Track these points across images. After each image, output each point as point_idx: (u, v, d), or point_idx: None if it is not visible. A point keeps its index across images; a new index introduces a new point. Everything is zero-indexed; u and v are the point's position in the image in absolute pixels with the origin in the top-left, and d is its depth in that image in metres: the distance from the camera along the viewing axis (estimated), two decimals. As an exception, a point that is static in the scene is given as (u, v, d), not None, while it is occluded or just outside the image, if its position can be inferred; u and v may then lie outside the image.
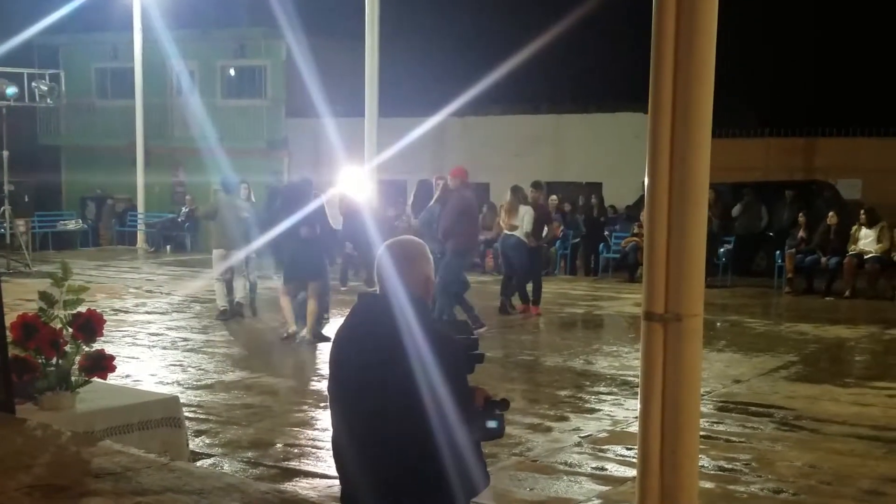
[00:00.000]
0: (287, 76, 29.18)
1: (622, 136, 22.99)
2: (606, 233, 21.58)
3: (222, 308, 14.44)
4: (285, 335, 12.70)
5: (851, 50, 28.87)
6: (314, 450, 7.70)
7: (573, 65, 27.77)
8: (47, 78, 22.24)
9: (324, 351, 11.15)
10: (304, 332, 12.51)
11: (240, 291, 14.57)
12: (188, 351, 11.98)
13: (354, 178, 16.90)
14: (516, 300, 15.36)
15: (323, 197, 13.03)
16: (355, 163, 17.99)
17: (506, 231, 15.28)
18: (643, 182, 3.84)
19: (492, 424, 3.93)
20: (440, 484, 3.81)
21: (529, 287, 15.25)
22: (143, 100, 27.49)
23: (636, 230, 19.53)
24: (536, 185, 15.87)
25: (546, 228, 15.97)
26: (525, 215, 14.96)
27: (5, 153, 20.66)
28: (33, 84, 21.57)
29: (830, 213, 18.30)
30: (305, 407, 9.21)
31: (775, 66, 29.18)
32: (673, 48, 3.59)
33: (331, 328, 12.39)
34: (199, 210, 19.04)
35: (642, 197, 4.41)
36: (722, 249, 19.21)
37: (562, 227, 20.92)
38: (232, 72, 30.83)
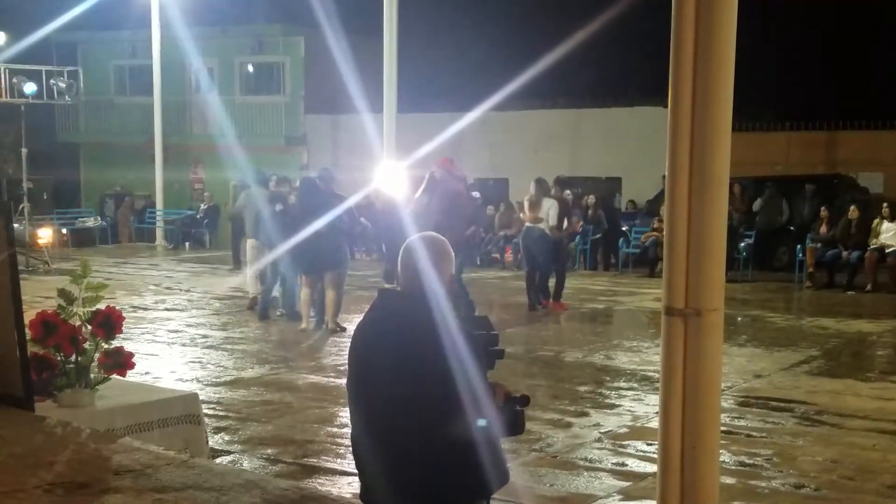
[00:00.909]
0: (306, 72, 29.23)
1: (641, 131, 22.89)
2: (625, 228, 21.50)
3: (252, 296, 14.56)
4: (301, 329, 12.83)
5: (872, 42, 28.69)
6: (334, 446, 7.69)
7: (591, 59, 27.68)
8: (66, 75, 22.29)
9: (342, 345, 11.14)
10: (326, 320, 12.70)
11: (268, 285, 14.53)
12: (207, 348, 11.99)
13: (386, 175, 16.84)
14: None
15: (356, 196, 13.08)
16: (375, 159, 17.95)
17: (528, 224, 15.13)
18: (663, 176, 3.82)
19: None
20: (475, 471, 3.80)
21: (551, 282, 15.17)
22: (162, 97, 27.54)
23: (656, 225, 19.44)
24: (561, 183, 15.76)
25: (567, 222, 15.84)
26: (550, 208, 14.82)
27: (24, 150, 20.75)
28: (52, 81, 21.62)
29: (852, 207, 18.18)
30: (325, 403, 9.20)
31: (796, 58, 29.03)
32: (693, 41, 3.57)
33: (350, 322, 12.40)
34: (228, 207, 19.04)
35: (662, 191, 4.39)
36: (742, 244, 19.14)
37: (581, 223, 20.82)
38: (250, 68, 30.87)
